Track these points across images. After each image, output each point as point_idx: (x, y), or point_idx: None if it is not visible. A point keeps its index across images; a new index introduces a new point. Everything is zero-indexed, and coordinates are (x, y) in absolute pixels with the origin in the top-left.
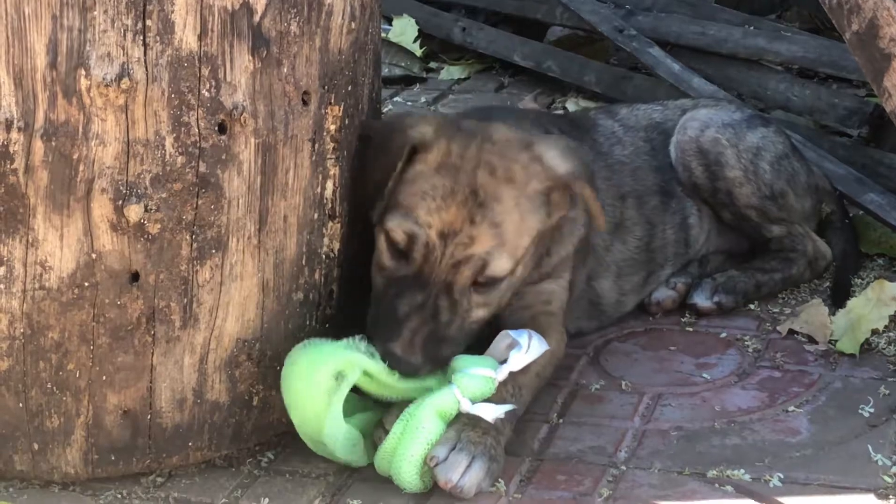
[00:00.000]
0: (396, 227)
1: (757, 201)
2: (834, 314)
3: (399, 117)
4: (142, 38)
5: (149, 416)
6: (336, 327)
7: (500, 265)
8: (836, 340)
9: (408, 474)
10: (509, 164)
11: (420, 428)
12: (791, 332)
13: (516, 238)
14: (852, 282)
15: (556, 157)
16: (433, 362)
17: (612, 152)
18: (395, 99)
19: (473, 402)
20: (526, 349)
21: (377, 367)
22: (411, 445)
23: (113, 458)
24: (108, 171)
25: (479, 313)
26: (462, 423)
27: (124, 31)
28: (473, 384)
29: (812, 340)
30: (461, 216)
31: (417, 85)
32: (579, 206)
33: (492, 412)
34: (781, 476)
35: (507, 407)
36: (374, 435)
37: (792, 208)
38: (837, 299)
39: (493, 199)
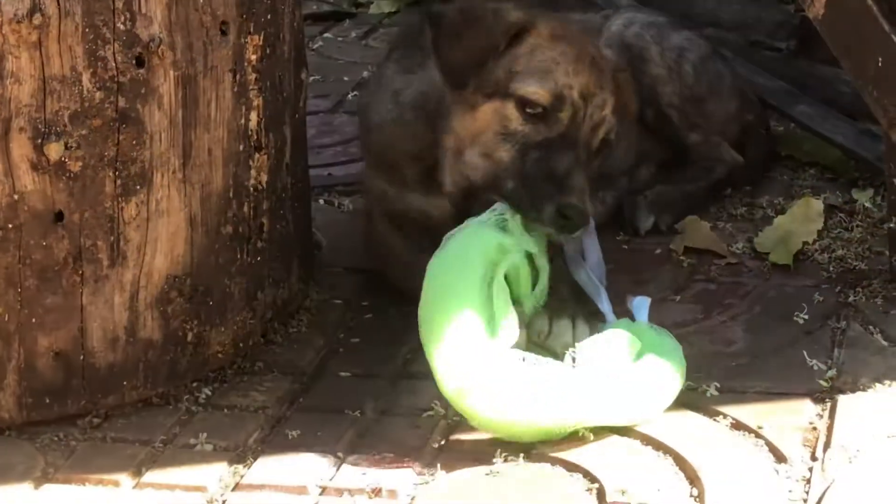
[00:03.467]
0: (539, 89)
1: (678, 101)
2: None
3: (478, 4)
4: None
5: (81, 357)
6: (267, 260)
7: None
8: (767, 253)
9: None
10: (598, 44)
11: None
12: (688, 248)
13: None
14: (774, 191)
15: (607, 49)
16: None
17: None
18: (325, 35)
19: None
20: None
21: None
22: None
23: (47, 401)
24: (26, 109)
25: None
26: (546, 300)
27: None
28: None
29: (719, 255)
30: (593, 79)
31: (347, 21)
32: None
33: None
34: (718, 385)
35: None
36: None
37: (711, 115)
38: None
39: (606, 71)
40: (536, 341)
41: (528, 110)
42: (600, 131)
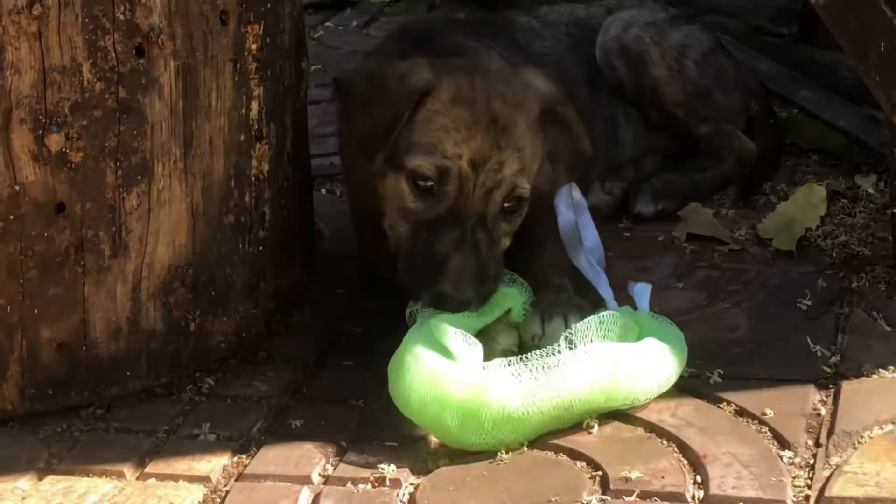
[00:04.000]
0: (424, 163)
1: (683, 99)
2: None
3: (384, 67)
4: None
5: (84, 348)
6: (270, 250)
7: (526, 187)
8: (770, 239)
9: None
10: (514, 91)
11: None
12: (691, 235)
13: (532, 162)
14: (778, 177)
15: (541, 81)
16: (481, 299)
17: (532, 46)
18: (326, 24)
19: None
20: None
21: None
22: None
23: (51, 392)
24: (26, 100)
25: (506, 242)
26: (537, 296)
27: None
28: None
29: (722, 242)
30: (488, 143)
31: (348, 9)
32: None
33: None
34: (721, 372)
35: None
36: None
37: (718, 106)
38: (745, 192)
39: (512, 125)
40: (532, 345)
41: (420, 183)
42: (496, 195)
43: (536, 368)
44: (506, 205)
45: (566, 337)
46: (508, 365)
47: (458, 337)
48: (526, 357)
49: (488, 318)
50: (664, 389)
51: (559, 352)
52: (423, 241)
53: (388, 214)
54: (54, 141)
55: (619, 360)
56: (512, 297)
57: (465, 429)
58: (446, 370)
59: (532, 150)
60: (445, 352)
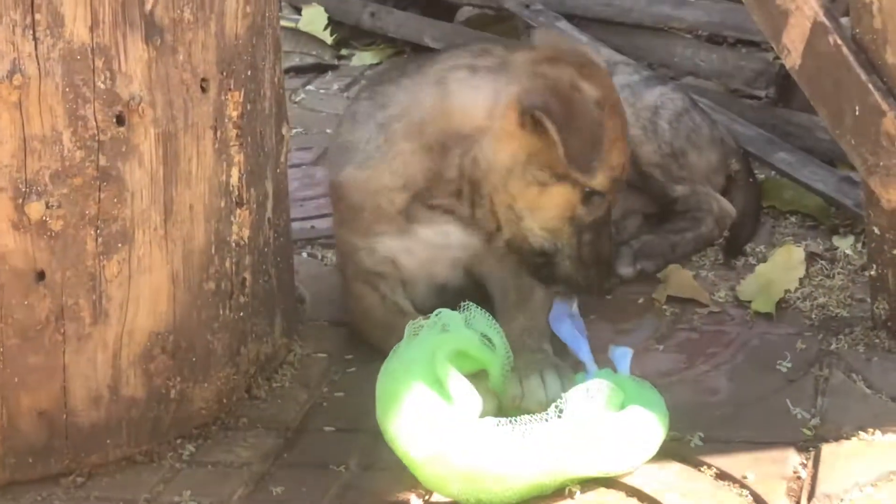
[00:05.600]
0: (604, 181)
1: (658, 159)
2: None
3: (556, 80)
4: (31, 32)
5: (64, 416)
6: (250, 315)
7: None
8: (749, 301)
9: None
10: (604, 76)
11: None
12: (671, 297)
13: None
14: (757, 239)
15: (592, 52)
16: None
17: None
18: (307, 87)
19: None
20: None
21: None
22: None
23: (30, 461)
24: (6, 169)
25: None
26: (515, 360)
27: (13, 26)
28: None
29: (702, 304)
30: (625, 134)
31: (329, 72)
32: None
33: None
34: (702, 435)
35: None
36: None
37: (694, 166)
38: (729, 254)
39: (623, 112)
40: (513, 406)
41: (588, 193)
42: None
43: (522, 434)
44: None
45: (556, 406)
46: (497, 426)
47: (462, 386)
48: (514, 420)
49: (486, 352)
50: (647, 459)
51: (546, 419)
52: (589, 243)
53: (546, 218)
54: (34, 209)
55: (603, 431)
56: (494, 358)
57: (456, 485)
58: (443, 421)
59: None
60: (443, 391)
